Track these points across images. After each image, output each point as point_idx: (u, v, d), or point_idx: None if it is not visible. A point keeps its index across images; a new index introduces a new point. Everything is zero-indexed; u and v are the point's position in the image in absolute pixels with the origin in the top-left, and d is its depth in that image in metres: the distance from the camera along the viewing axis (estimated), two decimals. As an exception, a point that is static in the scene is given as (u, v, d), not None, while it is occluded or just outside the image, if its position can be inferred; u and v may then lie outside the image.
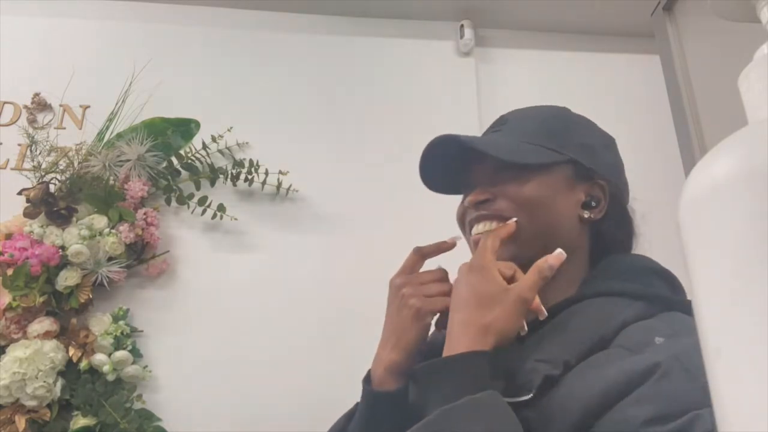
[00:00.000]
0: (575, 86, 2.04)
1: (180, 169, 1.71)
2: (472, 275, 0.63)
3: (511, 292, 0.61)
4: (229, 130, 1.75)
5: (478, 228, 0.71)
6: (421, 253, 0.76)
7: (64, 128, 1.77)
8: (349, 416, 0.79)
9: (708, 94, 1.29)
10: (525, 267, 0.65)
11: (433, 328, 0.71)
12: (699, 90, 1.32)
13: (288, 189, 1.74)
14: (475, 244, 0.70)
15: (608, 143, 0.79)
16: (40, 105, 1.78)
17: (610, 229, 0.73)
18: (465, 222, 0.75)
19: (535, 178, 0.70)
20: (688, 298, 0.58)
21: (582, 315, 0.64)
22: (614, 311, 0.63)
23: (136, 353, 1.52)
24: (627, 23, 2.06)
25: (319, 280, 1.68)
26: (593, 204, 0.72)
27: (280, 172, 1.73)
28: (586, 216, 0.71)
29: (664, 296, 0.66)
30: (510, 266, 0.65)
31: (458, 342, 0.59)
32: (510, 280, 0.64)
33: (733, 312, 0.28)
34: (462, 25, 2.01)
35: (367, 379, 0.74)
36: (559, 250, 0.64)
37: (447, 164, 0.75)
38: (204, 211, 1.67)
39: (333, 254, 1.71)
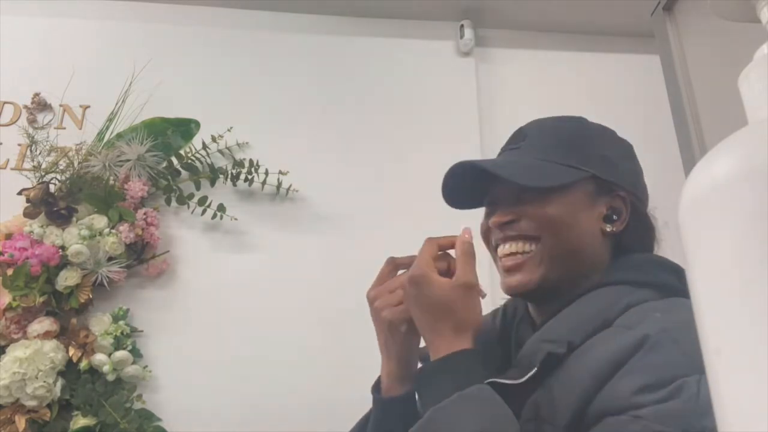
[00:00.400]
0: (575, 86, 2.05)
1: (180, 169, 1.71)
2: (416, 288, 0.66)
3: (456, 286, 0.66)
4: (229, 130, 1.75)
5: (505, 249, 0.73)
6: (395, 264, 0.77)
7: (64, 128, 1.77)
8: (363, 423, 0.81)
9: (708, 94, 1.29)
10: (553, 289, 0.70)
11: None
12: (699, 90, 1.32)
13: (288, 189, 1.74)
14: (505, 270, 0.72)
15: (626, 152, 0.79)
16: (40, 105, 1.78)
17: (631, 239, 0.74)
18: (490, 240, 0.77)
19: (557, 197, 0.71)
20: (690, 335, 0.58)
21: (589, 301, 0.67)
22: (619, 296, 0.66)
23: (136, 353, 1.52)
24: (627, 23, 2.06)
25: (319, 279, 1.68)
26: (615, 217, 0.73)
27: (280, 172, 1.73)
28: (608, 230, 0.72)
29: (671, 284, 0.68)
30: (442, 257, 0.71)
31: (439, 347, 0.63)
32: (447, 271, 0.69)
33: (733, 312, 0.28)
34: (462, 25, 2.01)
35: (377, 387, 0.77)
36: (465, 227, 0.71)
37: (468, 183, 0.76)
38: (204, 211, 1.67)
39: (333, 254, 1.71)
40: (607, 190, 0.73)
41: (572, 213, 0.71)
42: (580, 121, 0.80)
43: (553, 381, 0.60)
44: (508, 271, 0.72)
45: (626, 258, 0.73)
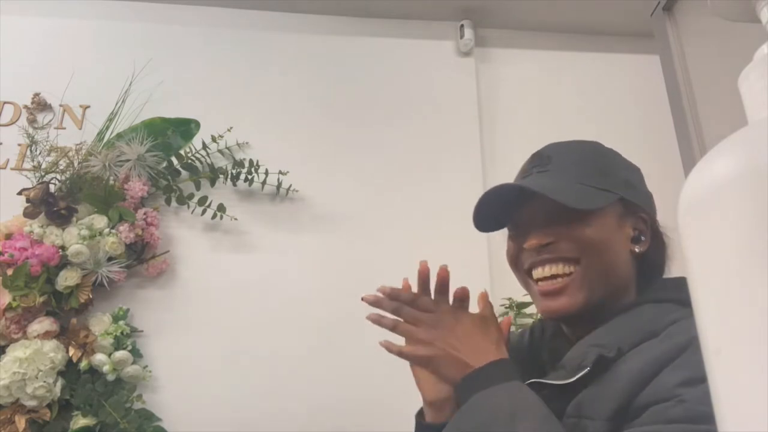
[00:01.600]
0: (575, 86, 2.05)
1: (180, 169, 1.71)
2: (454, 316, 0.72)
3: (479, 317, 0.72)
4: (229, 130, 1.75)
5: (544, 271, 0.73)
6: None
7: (64, 128, 1.77)
8: None
9: (708, 94, 1.29)
10: (592, 310, 0.71)
11: None
12: (699, 90, 1.32)
13: (288, 189, 1.74)
14: (543, 294, 0.73)
15: (640, 175, 0.82)
16: (40, 105, 1.78)
17: (652, 258, 0.76)
18: (521, 263, 0.77)
19: (594, 219, 0.72)
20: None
21: (635, 316, 0.69)
22: (665, 312, 0.68)
23: (136, 353, 1.52)
24: (627, 23, 2.06)
25: (319, 279, 1.68)
26: (643, 238, 0.75)
27: (280, 172, 1.73)
28: (637, 251, 0.74)
29: None
30: (442, 290, 0.75)
31: (479, 361, 0.67)
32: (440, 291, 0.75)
33: (733, 312, 0.28)
34: (462, 25, 2.01)
35: (420, 413, 0.80)
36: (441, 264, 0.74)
37: (494, 205, 0.76)
38: (204, 211, 1.67)
39: (332, 254, 1.71)
40: (632, 213, 0.75)
41: (608, 235, 0.72)
42: (598, 144, 0.82)
43: (597, 382, 0.63)
44: (548, 295, 0.72)
45: (664, 279, 0.77)
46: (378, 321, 0.74)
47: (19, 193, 1.57)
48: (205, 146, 1.71)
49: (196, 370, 1.55)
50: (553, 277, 0.72)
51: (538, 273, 0.73)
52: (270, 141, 1.81)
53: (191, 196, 1.69)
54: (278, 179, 1.73)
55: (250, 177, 1.72)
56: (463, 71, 2.00)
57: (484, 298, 0.76)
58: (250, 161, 1.72)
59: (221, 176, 1.71)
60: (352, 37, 2.02)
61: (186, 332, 1.59)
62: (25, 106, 1.78)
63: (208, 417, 1.51)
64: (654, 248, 0.76)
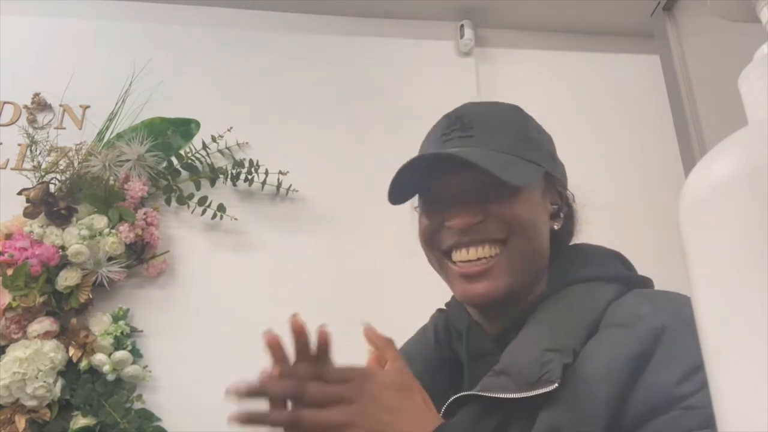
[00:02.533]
0: (575, 86, 2.05)
1: (180, 169, 1.71)
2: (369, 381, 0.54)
3: (395, 373, 0.56)
4: (229, 130, 1.75)
5: (469, 254, 0.64)
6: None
7: (64, 128, 1.77)
8: None
9: (708, 94, 1.29)
10: (515, 295, 0.64)
11: None
12: (699, 90, 1.32)
13: (288, 189, 1.74)
14: (464, 276, 0.64)
15: (553, 142, 0.74)
16: (40, 105, 1.78)
17: (564, 232, 0.72)
18: (438, 243, 0.67)
19: (522, 196, 0.64)
20: (685, 294, 0.58)
21: (567, 302, 0.63)
22: (597, 294, 0.63)
23: (136, 353, 1.52)
24: (627, 23, 2.06)
25: (319, 279, 1.67)
26: (561, 214, 0.70)
27: (280, 172, 1.73)
28: (556, 228, 0.69)
29: (630, 276, 0.68)
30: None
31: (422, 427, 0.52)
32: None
33: (733, 312, 0.28)
34: (462, 25, 2.01)
35: None
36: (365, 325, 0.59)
37: (414, 175, 0.67)
38: (204, 211, 1.67)
39: (332, 254, 1.71)
40: (551, 186, 0.70)
41: (534, 212, 0.66)
42: (518, 108, 0.73)
43: (562, 395, 0.53)
44: (469, 277, 0.64)
45: (577, 250, 0.71)
46: (257, 421, 0.54)
47: (19, 193, 1.57)
48: (205, 146, 1.71)
49: (196, 370, 1.55)
50: (477, 258, 0.63)
51: (460, 255, 0.64)
52: (270, 141, 1.81)
53: (191, 196, 1.69)
54: (278, 179, 1.73)
55: (250, 177, 1.72)
56: (463, 71, 2.00)
57: (386, 343, 0.58)
58: (250, 161, 1.72)
59: (221, 176, 1.71)
60: (352, 37, 2.02)
61: (186, 332, 1.59)
62: (25, 106, 1.78)
63: (208, 417, 1.51)
64: (567, 222, 0.71)
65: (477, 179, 0.62)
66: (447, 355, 0.73)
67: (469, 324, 0.71)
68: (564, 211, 0.70)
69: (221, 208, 1.67)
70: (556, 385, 0.53)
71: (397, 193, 0.67)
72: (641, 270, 0.72)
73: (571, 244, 0.74)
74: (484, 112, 0.70)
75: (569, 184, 0.74)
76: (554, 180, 0.70)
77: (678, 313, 0.56)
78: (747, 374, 0.27)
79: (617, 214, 1.79)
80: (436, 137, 0.69)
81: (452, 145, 0.66)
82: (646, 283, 0.68)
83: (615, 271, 0.67)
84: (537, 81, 2.05)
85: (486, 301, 0.64)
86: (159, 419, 1.49)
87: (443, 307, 0.79)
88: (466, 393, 0.58)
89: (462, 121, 0.68)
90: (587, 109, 2.01)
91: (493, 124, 0.67)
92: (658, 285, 0.71)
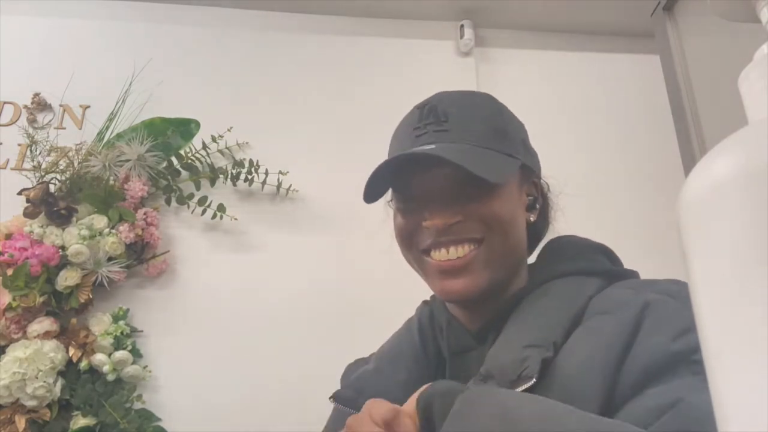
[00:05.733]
0: (575, 86, 2.05)
1: (180, 169, 1.71)
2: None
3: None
4: (229, 130, 1.75)
5: (449, 254, 0.62)
6: None
7: (64, 128, 1.77)
8: None
9: (708, 94, 1.29)
10: (494, 291, 0.64)
11: None
12: (699, 90, 1.32)
13: (288, 189, 1.74)
14: (442, 272, 0.63)
15: (525, 130, 0.72)
16: (40, 105, 1.78)
17: (539, 224, 0.71)
18: (416, 243, 0.65)
19: (500, 192, 0.63)
20: (684, 294, 0.57)
21: (547, 297, 0.62)
22: (578, 288, 0.62)
23: (136, 353, 1.52)
24: (627, 23, 2.06)
25: (319, 279, 1.68)
26: (537, 206, 0.69)
27: (280, 172, 1.73)
28: (532, 220, 0.68)
29: (613, 270, 0.66)
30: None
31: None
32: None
33: (733, 312, 0.28)
34: (462, 25, 2.01)
35: None
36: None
37: (388, 173, 0.65)
38: (204, 211, 1.67)
39: (332, 254, 1.71)
40: (527, 178, 0.68)
41: (512, 207, 0.64)
42: (491, 97, 0.72)
43: (545, 386, 0.53)
44: (447, 273, 0.63)
45: (557, 243, 0.70)
46: None
47: (19, 193, 1.57)
48: (205, 146, 1.71)
49: (196, 370, 1.56)
50: (456, 258, 0.62)
51: (439, 255, 0.63)
52: (270, 141, 1.81)
53: (191, 196, 1.69)
54: (278, 179, 1.73)
55: (250, 177, 1.72)
56: (463, 71, 2.00)
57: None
58: (250, 161, 1.72)
59: (221, 176, 1.71)
60: (352, 37, 2.02)
61: (186, 332, 1.59)
62: (25, 106, 1.78)
63: (208, 417, 1.51)
64: (543, 213, 0.70)
65: (454, 177, 0.62)
66: (432, 350, 0.72)
67: (448, 319, 0.70)
68: (539, 202, 0.70)
69: (221, 208, 1.67)
70: (534, 380, 0.52)
71: (372, 191, 0.66)
72: (642, 270, 0.72)
73: (554, 237, 0.72)
74: (458, 102, 0.69)
75: (543, 173, 0.73)
76: (529, 171, 0.68)
77: (663, 289, 0.55)
78: (747, 375, 0.26)
79: (617, 214, 1.79)
80: (408, 130, 0.67)
81: (427, 140, 0.64)
82: (630, 276, 0.66)
83: (597, 265, 0.66)
84: (537, 81, 2.05)
85: (464, 298, 0.63)
86: (159, 419, 1.49)
87: (428, 299, 0.79)
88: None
89: (436, 113, 0.66)
90: (587, 109, 2.01)
91: (467, 116, 0.66)
92: (658, 285, 0.70)
